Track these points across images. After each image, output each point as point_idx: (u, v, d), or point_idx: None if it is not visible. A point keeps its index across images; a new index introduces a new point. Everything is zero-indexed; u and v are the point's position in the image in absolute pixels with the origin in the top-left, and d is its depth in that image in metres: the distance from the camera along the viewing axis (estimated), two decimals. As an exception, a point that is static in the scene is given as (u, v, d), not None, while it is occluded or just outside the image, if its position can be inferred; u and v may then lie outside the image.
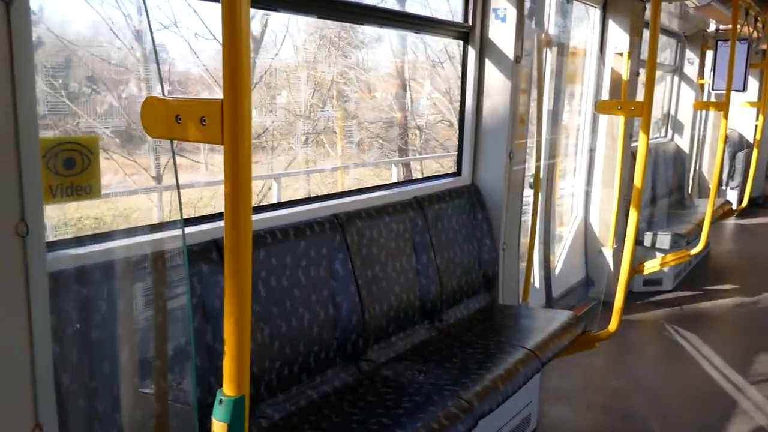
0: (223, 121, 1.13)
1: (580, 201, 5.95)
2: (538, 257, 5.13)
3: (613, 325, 3.72)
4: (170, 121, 1.22)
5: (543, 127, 4.92)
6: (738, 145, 10.57)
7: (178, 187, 1.50)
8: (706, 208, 6.37)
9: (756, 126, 9.97)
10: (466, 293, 3.73)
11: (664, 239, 6.10)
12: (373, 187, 3.41)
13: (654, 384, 4.40)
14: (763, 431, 3.75)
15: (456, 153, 3.99)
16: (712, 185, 5.99)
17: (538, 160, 4.25)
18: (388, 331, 3.12)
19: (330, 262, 2.83)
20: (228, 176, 1.15)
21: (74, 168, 1.81)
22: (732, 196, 10.15)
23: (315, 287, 2.73)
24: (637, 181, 3.54)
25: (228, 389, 1.22)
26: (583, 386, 4.30)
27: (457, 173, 3.98)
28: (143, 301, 2.04)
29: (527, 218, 4.57)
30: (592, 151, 5.91)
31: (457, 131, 3.94)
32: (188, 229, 2.33)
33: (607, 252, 5.93)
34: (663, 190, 7.42)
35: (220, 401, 1.22)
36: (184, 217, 2.48)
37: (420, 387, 2.74)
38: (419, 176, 8.31)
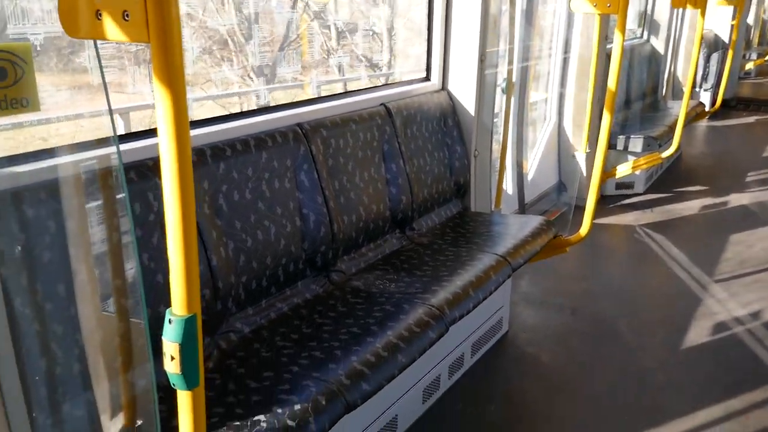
0: (148, 14, 1.00)
1: (554, 105, 5.86)
2: (510, 163, 5.08)
3: (584, 229, 3.73)
4: (90, 17, 1.09)
5: (516, 30, 4.75)
6: (713, 46, 10.41)
7: (107, 96, 1.37)
8: (680, 111, 6.33)
9: (732, 26, 9.82)
10: (438, 202, 3.68)
11: (636, 142, 6.08)
12: (338, 94, 3.26)
13: (623, 286, 4.48)
14: (725, 326, 3.86)
15: (425, 57, 3.83)
16: (686, 87, 5.91)
17: (510, 63, 4.11)
18: (358, 242, 3.08)
19: (295, 173, 2.74)
20: (160, 81, 1.04)
21: (6, 79, 1.67)
22: (705, 98, 10.09)
23: (280, 200, 2.65)
24: (611, 83, 3.45)
25: (176, 308, 1.16)
26: (553, 290, 4.36)
27: (426, 78, 3.84)
28: (95, 221, 1.95)
29: (500, 123, 4.48)
30: (566, 53, 5.76)
31: (426, 33, 3.77)
32: (134, 145, 2.21)
33: (580, 156, 5.90)
34: (637, 92, 7.33)
35: (170, 321, 1.15)
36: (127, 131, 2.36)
37: (390, 296, 2.72)
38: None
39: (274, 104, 2.77)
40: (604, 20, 5.36)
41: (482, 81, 3.78)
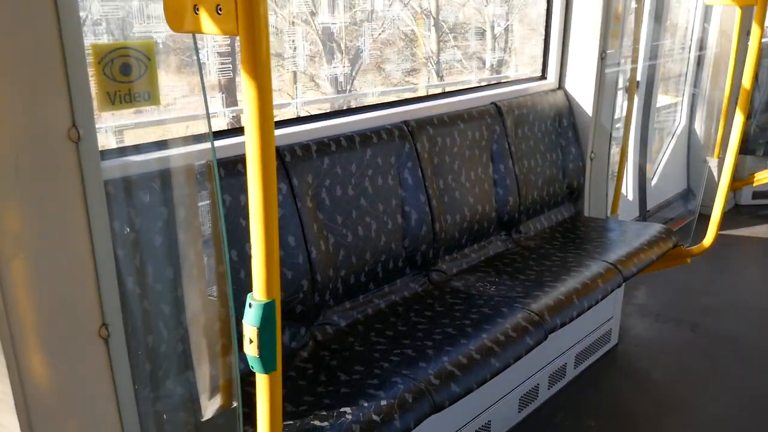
0: (237, 8, 1.04)
1: (685, 106, 5.49)
2: (632, 168, 4.82)
3: (708, 239, 3.47)
4: (189, 12, 1.15)
5: (643, 27, 4.49)
6: None
7: (204, 90, 1.44)
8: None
9: None
10: (548, 204, 3.56)
11: (780, 148, 5.57)
12: (446, 92, 3.24)
13: (752, 304, 4.12)
14: None
15: (542, 55, 3.71)
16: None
17: (635, 61, 3.90)
18: (460, 242, 3.04)
19: (399, 170, 2.75)
20: (246, 73, 1.07)
21: (131, 74, 1.79)
22: None
23: (382, 196, 2.68)
24: (746, 80, 3.18)
25: (257, 294, 1.20)
26: (672, 303, 4.09)
27: (542, 77, 3.72)
28: (204, 210, 2.06)
29: (621, 126, 4.27)
30: (701, 50, 5.38)
31: (544, 30, 3.65)
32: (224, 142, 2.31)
33: (712, 162, 5.48)
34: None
35: (249, 305, 1.20)
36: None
37: (490, 299, 2.67)
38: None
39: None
40: (746, 13, 4.95)
41: (602, 80, 3.60)
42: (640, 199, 4.94)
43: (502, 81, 3.54)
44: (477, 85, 3.38)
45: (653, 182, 5.15)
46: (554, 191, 3.58)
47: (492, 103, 3.28)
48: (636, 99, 4.71)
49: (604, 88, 3.62)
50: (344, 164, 2.54)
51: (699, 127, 5.50)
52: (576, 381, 3.21)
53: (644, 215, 5.00)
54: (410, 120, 2.86)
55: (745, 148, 5.70)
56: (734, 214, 5.68)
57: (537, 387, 2.97)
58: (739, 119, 3.25)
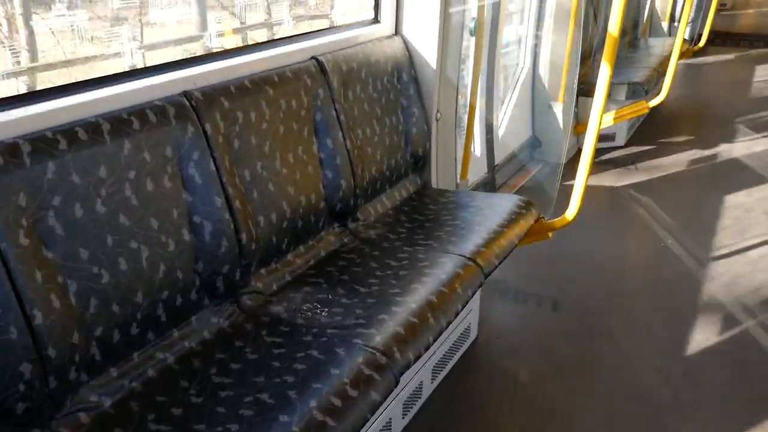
0: None
1: (528, 48, 5.04)
2: (479, 122, 4.30)
3: (571, 211, 3.01)
4: None
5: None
6: (693, -25, 9.60)
7: None
8: (664, 50, 5.58)
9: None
10: (390, 180, 2.90)
11: (619, 90, 5.33)
12: (245, 47, 2.40)
13: (611, 267, 3.79)
14: (734, 320, 3.24)
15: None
16: (681, 21, 5.14)
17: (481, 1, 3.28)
18: (280, 248, 2.30)
19: (180, 166, 1.92)
20: None
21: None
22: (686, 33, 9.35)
23: (156, 208, 1.84)
24: (615, 18, 2.65)
25: None
26: (529, 276, 3.66)
27: (375, 20, 2.99)
28: None
29: (468, 75, 3.68)
30: (543, -15, 4.91)
31: (373, -40, 2.90)
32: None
33: (557, 107, 5.14)
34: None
35: None
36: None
37: (321, 332, 1.97)
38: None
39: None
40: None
41: (446, 23, 2.95)
42: (488, 154, 4.46)
43: (324, 29, 2.75)
44: (290, 34, 2.56)
45: (500, 133, 4.69)
46: (397, 163, 2.93)
47: (312, 57, 2.50)
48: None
49: (448, 32, 2.98)
50: (85, 168, 1.67)
51: (543, 70, 5.10)
52: (433, 400, 2.64)
53: (493, 171, 4.53)
54: (193, 90, 2.01)
55: (587, 90, 5.41)
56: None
57: (389, 422, 2.36)
58: (606, 64, 2.75)
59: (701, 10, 9.09)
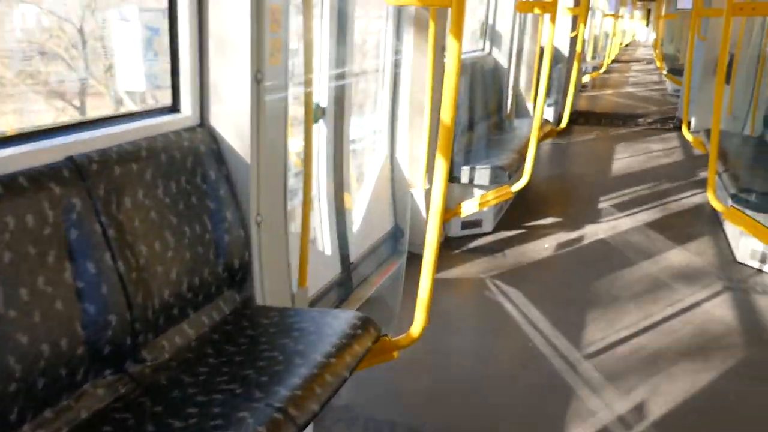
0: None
1: (385, 134, 4.73)
2: (326, 216, 3.85)
3: (417, 327, 2.56)
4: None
5: (320, 32, 3.54)
6: (553, 59, 9.98)
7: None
8: (528, 132, 5.48)
9: (572, 38, 9.39)
10: (194, 303, 2.35)
11: (483, 174, 5.12)
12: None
13: (475, 379, 3.37)
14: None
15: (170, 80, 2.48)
16: (537, 107, 5.04)
17: (309, 84, 2.87)
18: (6, 420, 1.66)
19: None
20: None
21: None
22: (549, 114, 9.61)
23: None
24: (447, 100, 2.32)
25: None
26: (382, 397, 3.16)
27: (173, 108, 2.49)
28: None
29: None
30: (397, 67, 4.66)
31: (169, 44, 2.42)
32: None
33: (418, 194, 4.82)
34: (482, 112, 6.44)
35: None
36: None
37: None
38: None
39: None
40: (440, 23, 4.31)
41: (261, 109, 2.50)
42: (341, 251, 4.00)
43: (94, 119, 2.21)
44: (43, 127, 2.00)
45: (355, 227, 4.26)
46: (203, 280, 2.38)
47: (68, 158, 1.95)
48: (324, 129, 3.75)
49: (265, 121, 2.52)
50: None
51: (402, 155, 4.79)
52: None
53: (348, 269, 4.08)
54: None
55: (452, 176, 5.16)
56: (444, 248, 5.10)
57: None
58: (441, 153, 2.39)
59: (561, 91, 9.40)
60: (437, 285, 4.40)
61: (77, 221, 1.89)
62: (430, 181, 4.86)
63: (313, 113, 3.45)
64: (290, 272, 2.92)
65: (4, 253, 1.67)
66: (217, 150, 2.50)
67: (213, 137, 2.51)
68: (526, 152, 5.27)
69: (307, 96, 2.90)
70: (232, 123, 2.50)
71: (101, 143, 2.09)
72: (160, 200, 2.22)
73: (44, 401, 1.76)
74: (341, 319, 2.42)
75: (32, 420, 1.73)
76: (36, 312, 1.73)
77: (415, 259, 4.81)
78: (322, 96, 3.66)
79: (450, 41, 2.25)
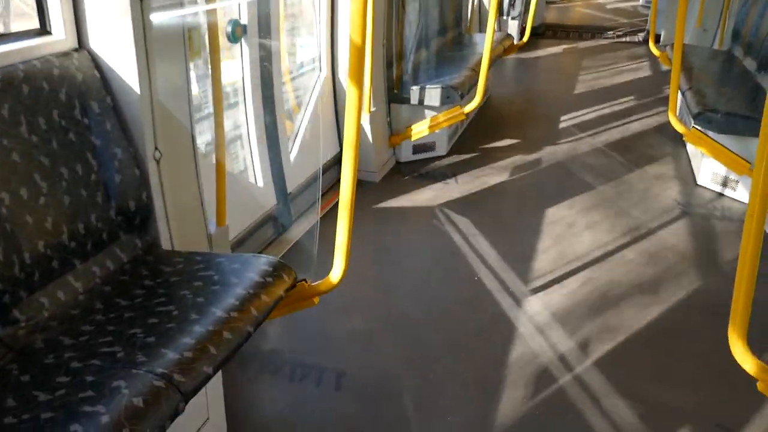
0: None
1: (324, 52, 4.36)
2: (256, 144, 3.55)
3: (336, 272, 2.33)
4: None
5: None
6: (519, -33, 9.43)
7: None
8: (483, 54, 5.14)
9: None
10: (80, 253, 2.07)
11: (433, 94, 4.79)
12: None
13: (413, 317, 3.19)
14: (549, 376, 2.75)
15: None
16: (489, 23, 4.67)
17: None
18: None
19: None
20: None
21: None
22: (513, 28, 9.17)
23: None
24: (355, 19, 2.00)
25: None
26: (308, 339, 2.98)
27: (42, 29, 2.13)
28: None
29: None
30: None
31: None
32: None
33: (364, 117, 4.50)
34: (437, 26, 6.03)
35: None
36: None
37: None
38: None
39: None
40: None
41: (147, 29, 2.15)
42: (277, 182, 3.72)
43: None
44: None
45: (293, 155, 3.97)
46: (90, 227, 2.10)
47: None
48: (246, 49, 3.39)
49: (155, 43, 2.18)
50: None
51: (343, 76, 4.44)
52: None
53: (286, 201, 3.81)
54: None
55: (396, 95, 4.84)
56: (394, 174, 4.85)
57: None
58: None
59: (527, 3, 8.94)
60: (384, 214, 4.21)
61: None
62: (375, 104, 4.55)
63: (231, 31, 3.10)
64: (205, 211, 2.65)
65: None
66: (99, 78, 2.16)
67: (95, 63, 2.16)
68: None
69: (213, 17, 2.54)
70: (116, 46, 2.16)
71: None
72: (24, 140, 1.90)
73: None
74: (252, 266, 2.18)
75: None
76: None
77: (360, 186, 4.59)
78: (242, 13, 3.28)
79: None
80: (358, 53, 2.01)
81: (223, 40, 3.13)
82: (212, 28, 2.54)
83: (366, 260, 3.67)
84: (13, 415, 1.54)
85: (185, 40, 2.36)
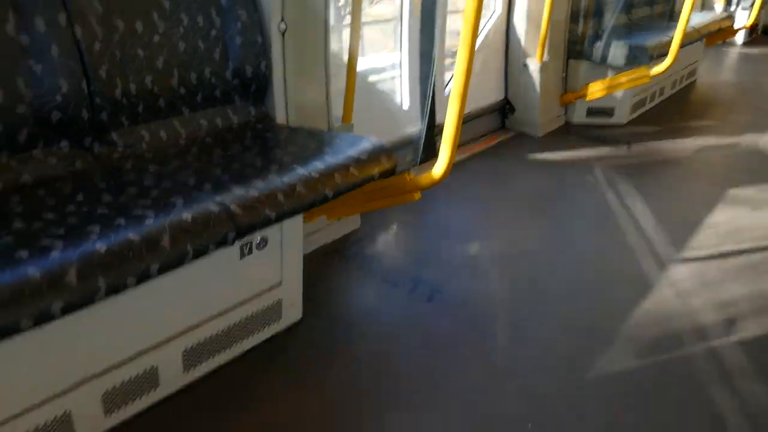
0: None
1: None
2: (407, 63, 3.46)
3: (440, 167, 2.17)
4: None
5: None
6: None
7: None
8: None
9: None
10: (188, 101, 2.14)
11: (618, 52, 4.36)
12: None
13: (540, 258, 2.92)
14: (682, 339, 2.35)
15: None
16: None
17: None
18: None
19: None
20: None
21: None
22: (742, 18, 8.13)
23: None
24: None
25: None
26: (418, 255, 2.84)
27: None
28: None
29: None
30: None
31: None
32: None
33: (534, 65, 4.23)
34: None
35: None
36: None
37: None
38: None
39: None
40: None
41: None
42: (424, 109, 3.61)
43: None
44: None
45: (447, 89, 3.83)
46: (203, 80, 2.16)
47: None
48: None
49: None
50: None
51: (520, 20, 4.20)
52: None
53: (431, 130, 3.69)
54: None
55: (577, 50, 4.48)
56: (560, 133, 4.51)
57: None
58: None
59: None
60: (537, 165, 3.92)
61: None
62: (549, 54, 4.25)
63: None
64: (330, 102, 2.63)
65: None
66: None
67: None
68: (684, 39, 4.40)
69: None
70: None
71: None
72: (149, -24, 1.99)
73: None
74: (353, 143, 2.11)
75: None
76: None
77: (523, 139, 4.34)
78: None
79: None
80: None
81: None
82: None
83: (507, 205, 3.44)
84: (75, 206, 1.60)
85: None
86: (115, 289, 1.41)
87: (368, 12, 3.42)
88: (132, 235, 1.46)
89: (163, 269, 1.49)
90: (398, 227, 3.09)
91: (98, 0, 1.86)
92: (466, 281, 2.67)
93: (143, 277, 1.46)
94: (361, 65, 2.85)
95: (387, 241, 2.95)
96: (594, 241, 3.11)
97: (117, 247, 1.42)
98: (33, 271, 1.30)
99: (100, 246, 1.41)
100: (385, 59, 3.62)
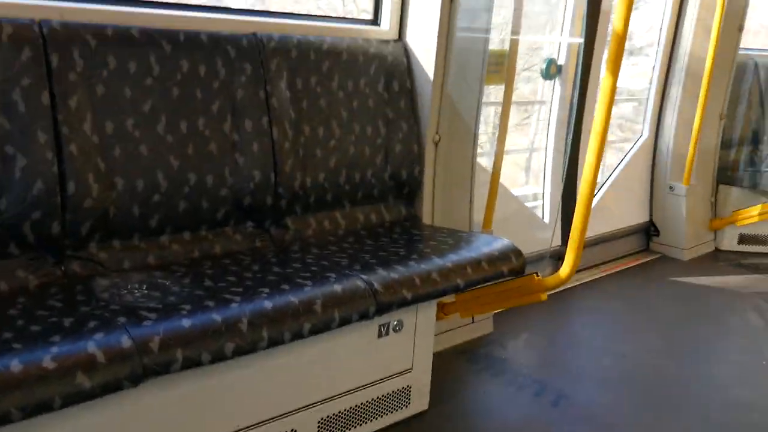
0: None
1: (649, 115, 4.30)
2: (550, 180, 3.66)
3: (566, 268, 2.32)
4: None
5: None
6: None
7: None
8: None
9: None
10: (351, 197, 2.50)
11: (771, 179, 4.29)
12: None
13: (674, 374, 2.89)
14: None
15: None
16: None
17: (515, 32, 2.79)
18: (146, 224, 2.01)
19: (3, 88, 1.76)
20: None
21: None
22: None
23: None
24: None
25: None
26: (549, 363, 2.90)
27: (374, 21, 2.68)
28: None
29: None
30: (675, 45, 4.20)
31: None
32: None
33: (680, 189, 4.26)
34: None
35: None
36: None
37: (100, 311, 1.64)
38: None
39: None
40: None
41: (450, 27, 2.55)
42: (564, 224, 3.76)
43: (297, 13, 2.52)
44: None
45: (593, 204, 3.95)
46: (365, 180, 2.52)
47: (252, 33, 2.26)
48: (558, 88, 3.58)
49: (452, 42, 2.56)
50: None
51: (665, 143, 4.30)
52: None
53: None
54: (51, 21, 1.88)
55: (728, 176, 4.46)
56: (709, 259, 4.42)
57: None
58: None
59: None
60: (683, 288, 3.86)
61: (245, 84, 2.18)
62: (697, 178, 4.27)
63: (545, 68, 3.35)
64: (472, 208, 2.88)
65: (173, 88, 2.03)
66: (406, 64, 2.61)
67: (406, 52, 2.63)
68: None
69: (513, 45, 2.84)
70: (423, 39, 2.59)
71: (284, 30, 2.36)
72: (332, 92, 2.41)
73: (184, 223, 2.08)
74: (487, 242, 2.34)
75: (171, 234, 2.06)
76: (190, 145, 2.06)
77: (667, 262, 4.29)
78: (561, 53, 3.51)
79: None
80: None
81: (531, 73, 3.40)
82: (511, 56, 2.84)
83: (645, 324, 3.42)
84: (252, 273, 1.94)
85: (485, 52, 2.64)
86: (275, 341, 1.69)
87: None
88: (293, 298, 1.76)
89: (314, 331, 1.77)
90: (530, 335, 3.19)
91: (293, 108, 2.30)
92: (594, 390, 2.70)
93: (297, 335, 1.74)
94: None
95: (517, 347, 3.05)
96: (736, 367, 3.01)
97: (280, 306, 1.72)
98: (215, 316, 1.63)
99: (268, 304, 1.72)
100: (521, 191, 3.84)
